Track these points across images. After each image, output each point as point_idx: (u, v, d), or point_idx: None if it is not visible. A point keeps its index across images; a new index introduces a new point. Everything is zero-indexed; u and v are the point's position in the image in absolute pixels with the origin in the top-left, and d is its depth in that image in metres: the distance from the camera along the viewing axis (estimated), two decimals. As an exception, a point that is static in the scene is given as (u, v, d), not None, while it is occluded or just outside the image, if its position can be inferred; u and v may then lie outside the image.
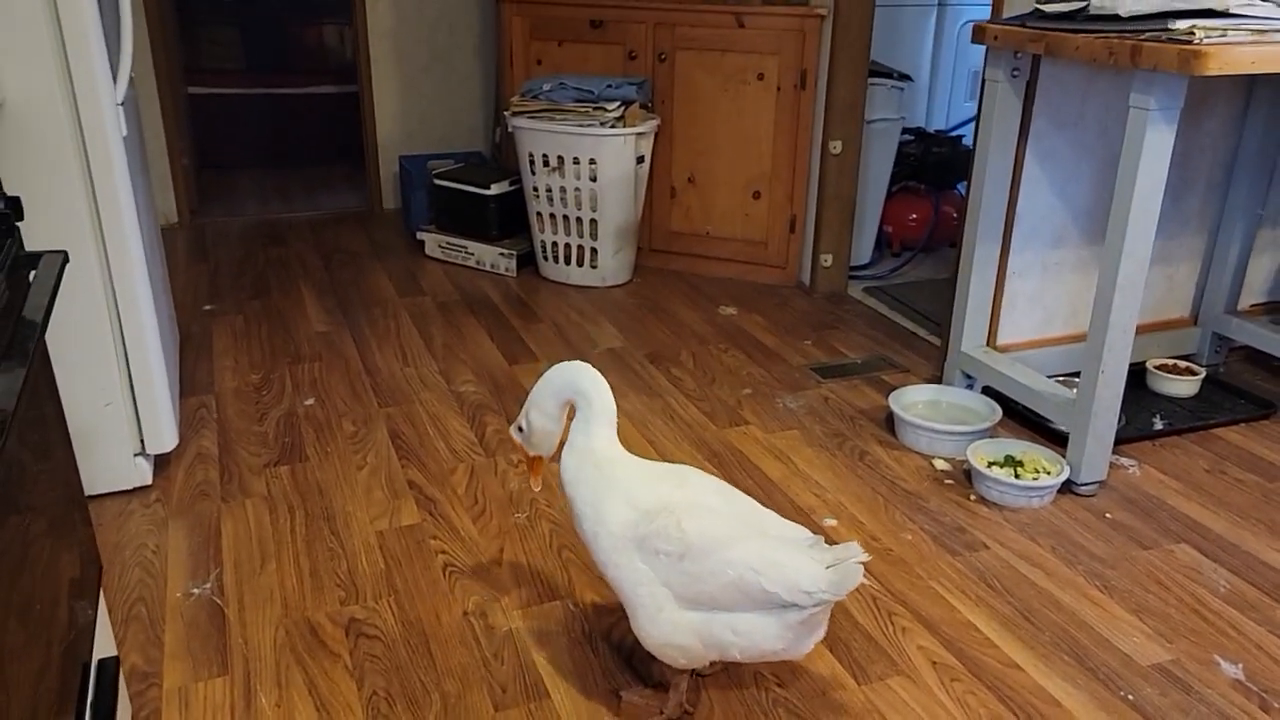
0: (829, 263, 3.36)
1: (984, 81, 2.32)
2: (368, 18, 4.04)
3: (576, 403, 1.51)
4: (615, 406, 1.51)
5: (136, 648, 1.65)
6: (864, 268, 3.59)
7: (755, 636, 1.38)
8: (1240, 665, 1.65)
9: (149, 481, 2.11)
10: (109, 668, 1.30)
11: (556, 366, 1.52)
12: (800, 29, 3.16)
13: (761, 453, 2.32)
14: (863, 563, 1.32)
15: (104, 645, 1.37)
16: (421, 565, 1.88)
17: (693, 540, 1.37)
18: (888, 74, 3.46)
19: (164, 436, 2.10)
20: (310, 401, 2.52)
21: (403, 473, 2.20)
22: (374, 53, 4.09)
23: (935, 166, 3.86)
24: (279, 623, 1.71)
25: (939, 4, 4.25)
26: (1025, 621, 1.75)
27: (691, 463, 2.25)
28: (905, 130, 3.73)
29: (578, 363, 1.52)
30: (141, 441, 2.08)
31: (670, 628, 1.40)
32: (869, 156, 3.40)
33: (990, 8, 2.46)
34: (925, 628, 1.73)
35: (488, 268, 3.55)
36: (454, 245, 3.60)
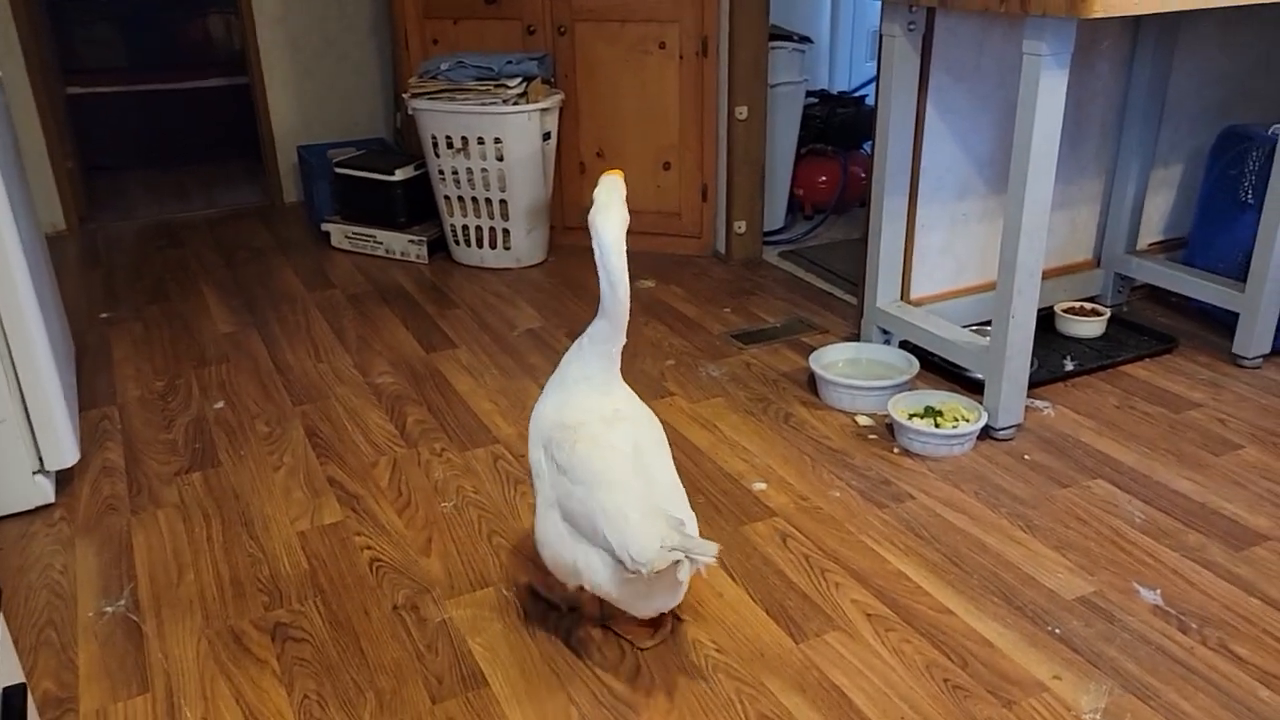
0: (743, 229, 3.37)
1: (881, 37, 2.33)
2: (254, 6, 3.89)
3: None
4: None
5: (48, 673, 1.57)
6: (778, 232, 3.60)
7: (597, 576, 1.47)
8: (1158, 591, 1.70)
9: (52, 499, 2.01)
10: (15, 696, 1.23)
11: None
12: (699, -5, 3.14)
13: (688, 422, 2.31)
14: (700, 564, 1.34)
15: (9, 673, 1.29)
16: (347, 563, 1.82)
17: (576, 463, 1.48)
18: (788, 37, 3.47)
19: (63, 451, 1.99)
20: (220, 405, 2.43)
21: (322, 470, 2.14)
22: (263, 41, 3.94)
23: (841, 128, 3.89)
24: (200, 634, 1.65)
25: (835, -35, 4.28)
26: (954, 567, 1.78)
27: (618, 437, 2.23)
28: (809, 93, 3.75)
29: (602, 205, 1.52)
30: (40, 458, 1.97)
31: (548, 527, 1.53)
32: (775, 121, 3.40)
33: (883, -36, 2.48)
34: (858, 581, 1.75)
35: (398, 256, 3.46)
36: (361, 235, 3.50)
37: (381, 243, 3.48)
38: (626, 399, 1.59)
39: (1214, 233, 2.69)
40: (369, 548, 1.87)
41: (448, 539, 1.89)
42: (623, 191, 1.56)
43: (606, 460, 1.47)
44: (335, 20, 4.05)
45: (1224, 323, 2.58)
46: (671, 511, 1.45)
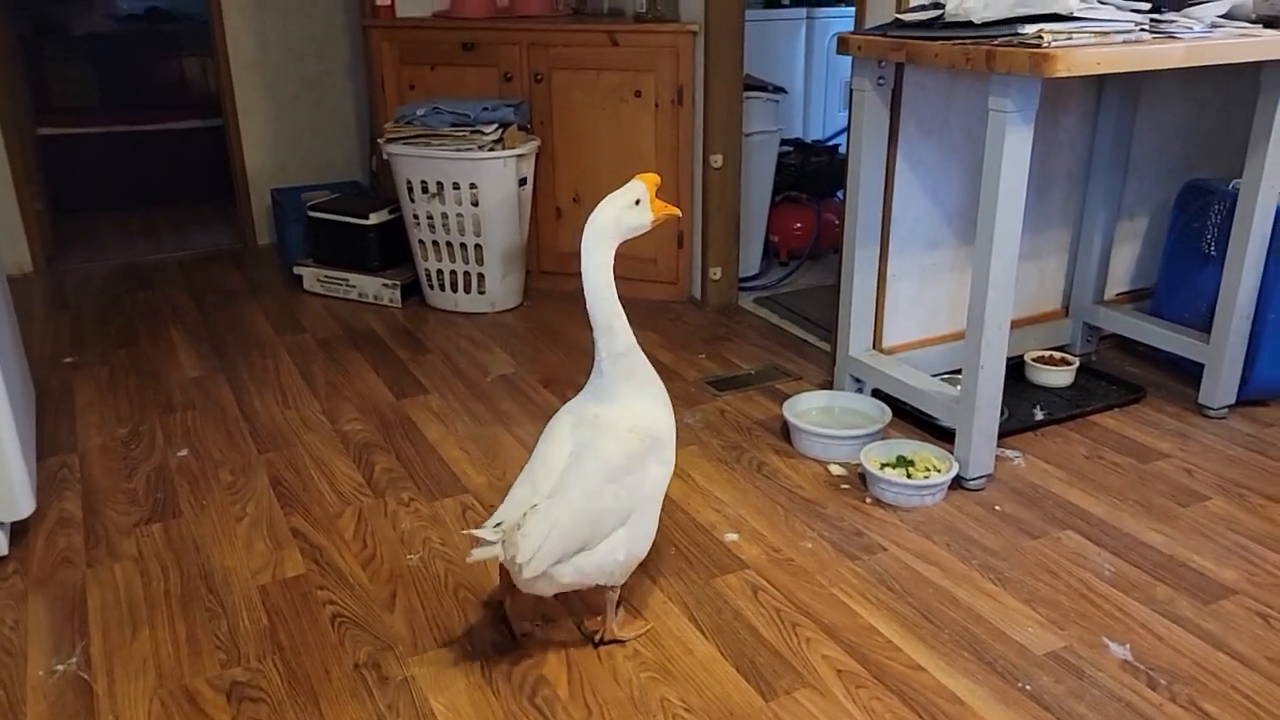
0: (718, 276, 3.38)
1: (852, 91, 2.36)
2: (229, 48, 3.90)
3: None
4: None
5: (-6, 736, 1.52)
6: (753, 278, 3.62)
7: None
8: (1128, 645, 1.69)
9: (4, 552, 1.96)
10: (-47, 766, 1.18)
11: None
12: (674, 45, 3.17)
13: (659, 471, 2.29)
14: (489, 549, 1.49)
15: (-51, 740, 1.25)
16: (308, 618, 1.78)
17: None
18: (762, 87, 3.51)
19: (18, 503, 1.95)
20: (184, 453, 2.39)
21: (285, 521, 2.10)
22: (239, 84, 3.94)
23: (815, 175, 3.93)
24: (153, 694, 1.60)
25: (808, 17, 4.34)
26: (925, 621, 1.77)
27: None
28: (784, 141, 3.79)
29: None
30: (-6, 510, 1.93)
31: None
32: (750, 168, 3.43)
33: (854, 19, 2.52)
34: (829, 636, 1.73)
35: (371, 300, 3.44)
36: (334, 279, 3.48)
37: (354, 286, 3.46)
38: (617, 409, 1.65)
39: (1179, 284, 2.72)
40: (331, 602, 1.83)
41: (412, 593, 1.86)
42: (632, 195, 1.64)
43: (541, 449, 1.65)
44: (312, 63, 4.06)
45: (1190, 372, 2.61)
46: (517, 512, 1.54)
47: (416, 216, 3.28)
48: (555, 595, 1.70)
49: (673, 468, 1.71)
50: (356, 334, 3.17)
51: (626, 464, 1.61)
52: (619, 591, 1.70)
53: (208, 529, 2.07)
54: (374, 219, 3.39)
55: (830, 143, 4.11)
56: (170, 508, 2.15)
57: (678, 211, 1.73)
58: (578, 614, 1.79)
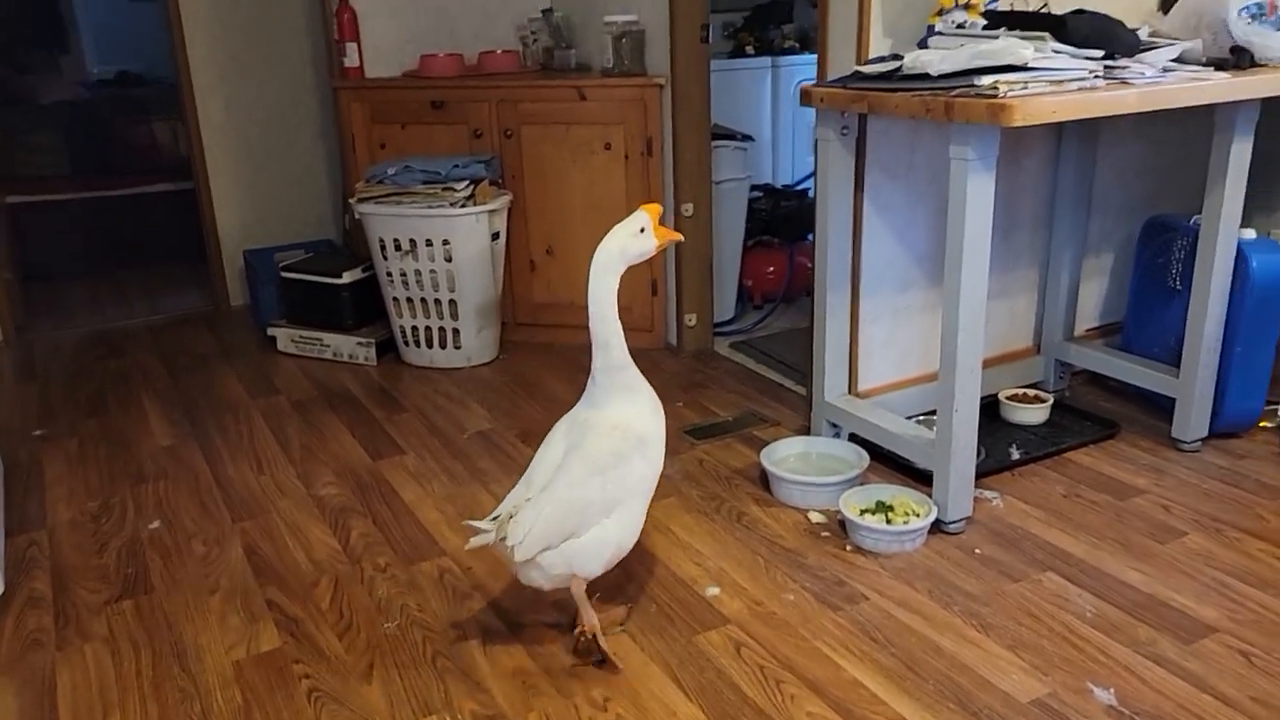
0: (693, 322, 3.39)
1: (816, 141, 2.39)
2: (199, 112, 3.91)
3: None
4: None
5: (-41, 833, 1.48)
6: (728, 323, 3.64)
7: None
8: (1112, 690, 1.68)
9: (-28, 636, 1.92)
10: None
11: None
12: (641, 98, 3.21)
13: (645, 526, 2.27)
14: (484, 537, 1.70)
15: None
16: (284, 695, 1.75)
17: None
18: (731, 135, 3.55)
19: (-14, 585, 1.91)
20: (155, 525, 2.35)
21: (260, 592, 2.07)
22: (209, 146, 3.95)
23: (786, 219, 3.97)
24: (125, 781, 1.56)
25: (773, 65, 4.41)
26: (909, 672, 1.75)
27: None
28: (754, 187, 3.83)
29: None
30: (-40, 593, 1.89)
31: None
32: (721, 215, 3.46)
33: (815, 70, 2.56)
34: (813, 692, 1.71)
35: (346, 359, 3.43)
36: (308, 339, 3.47)
37: (329, 346, 3.44)
38: (606, 412, 1.80)
39: (1147, 319, 2.75)
40: (307, 676, 1.80)
41: (390, 663, 1.83)
42: (637, 224, 1.77)
43: (539, 453, 1.84)
44: (282, 125, 4.08)
45: (1163, 406, 2.63)
46: (512, 505, 1.74)
47: (390, 274, 3.28)
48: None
49: (660, 466, 1.84)
50: (331, 394, 3.15)
51: (610, 459, 1.76)
52: (584, 585, 1.80)
53: (180, 604, 2.03)
54: (347, 278, 3.38)
55: (800, 187, 4.16)
56: (142, 583, 2.11)
57: (679, 236, 1.93)
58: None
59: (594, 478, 1.74)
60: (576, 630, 1.81)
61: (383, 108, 3.49)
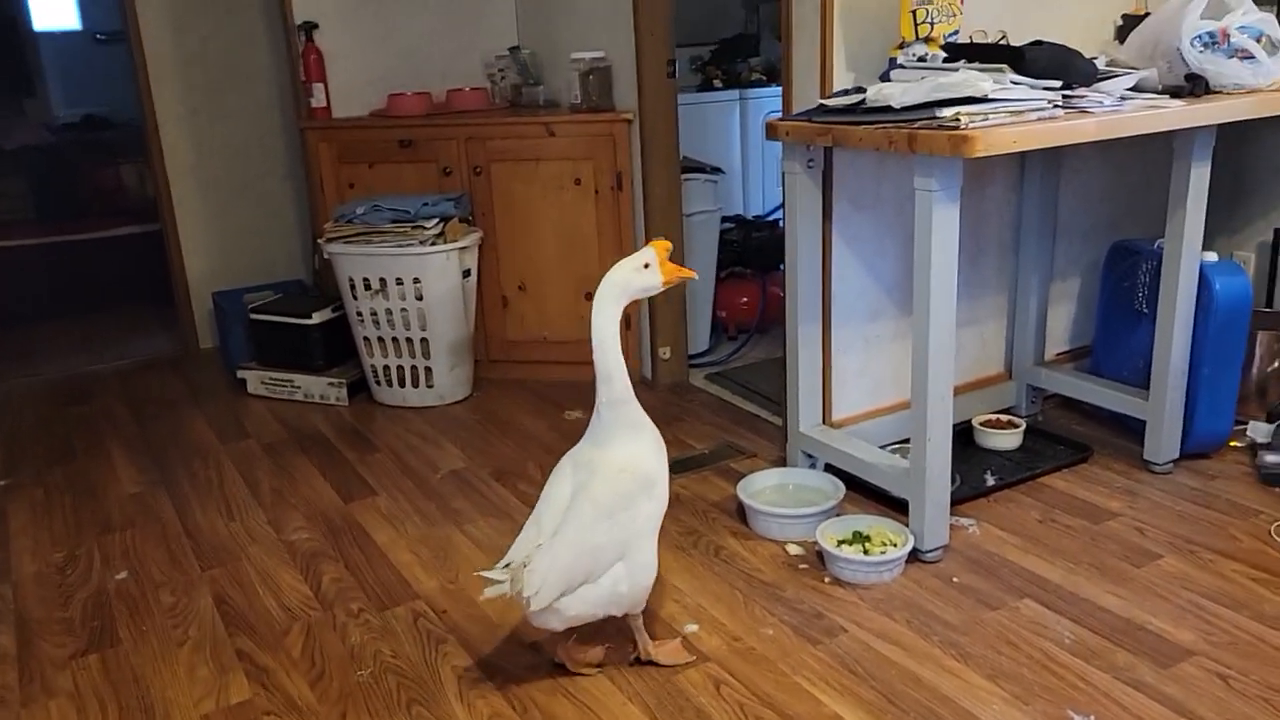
0: (667, 355, 3.39)
1: (784, 174, 2.41)
2: (165, 154, 3.89)
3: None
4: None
5: None
6: (703, 355, 3.64)
7: None
8: (1092, 717, 1.68)
9: (-69, 697, 1.87)
10: None
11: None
12: (610, 133, 3.23)
13: (615, 563, 2.26)
14: (499, 588, 1.68)
15: None
16: (255, 748, 1.71)
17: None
18: (700, 168, 3.58)
19: (-55, 643, 1.86)
20: (122, 575, 2.31)
21: (230, 642, 2.02)
22: (176, 188, 3.93)
23: (758, 250, 4.00)
24: (89, 845, 1.51)
25: (740, 98, 4.46)
26: (890, 705, 1.74)
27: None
28: (725, 218, 3.85)
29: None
30: (-82, 652, 1.84)
31: None
32: (693, 248, 3.47)
33: (781, 103, 2.58)
34: (794, 729, 1.70)
35: (317, 399, 3.40)
36: (278, 380, 3.44)
37: (299, 387, 3.41)
38: (611, 452, 1.80)
39: (1115, 342, 2.78)
40: (279, 728, 1.76)
41: (364, 712, 1.79)
42: (642, 259, 1.80)
43: (546, 492, 1.82)
44: (250, 166, 4.07)
45: (1134, 429, 2.64)
46: (524, 552, 1.72)
47: (360, 313, 3.26)
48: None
49: (666, 503, 1.86)
50: (302, 436, 3.11)
51: (618, 501, 1.77)
52: (640, 617, 1.86)
53: (148, 656, 1.99)
54: (317, 318, 3.36)
55: (771, 217, 4.18)
56: (108, 636, 2.06)
57: (692, 274, 1.93)
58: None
59: (603, 521, 1.75)
60: (634, 655, 1.89)
61: (350, 147, 3.48)
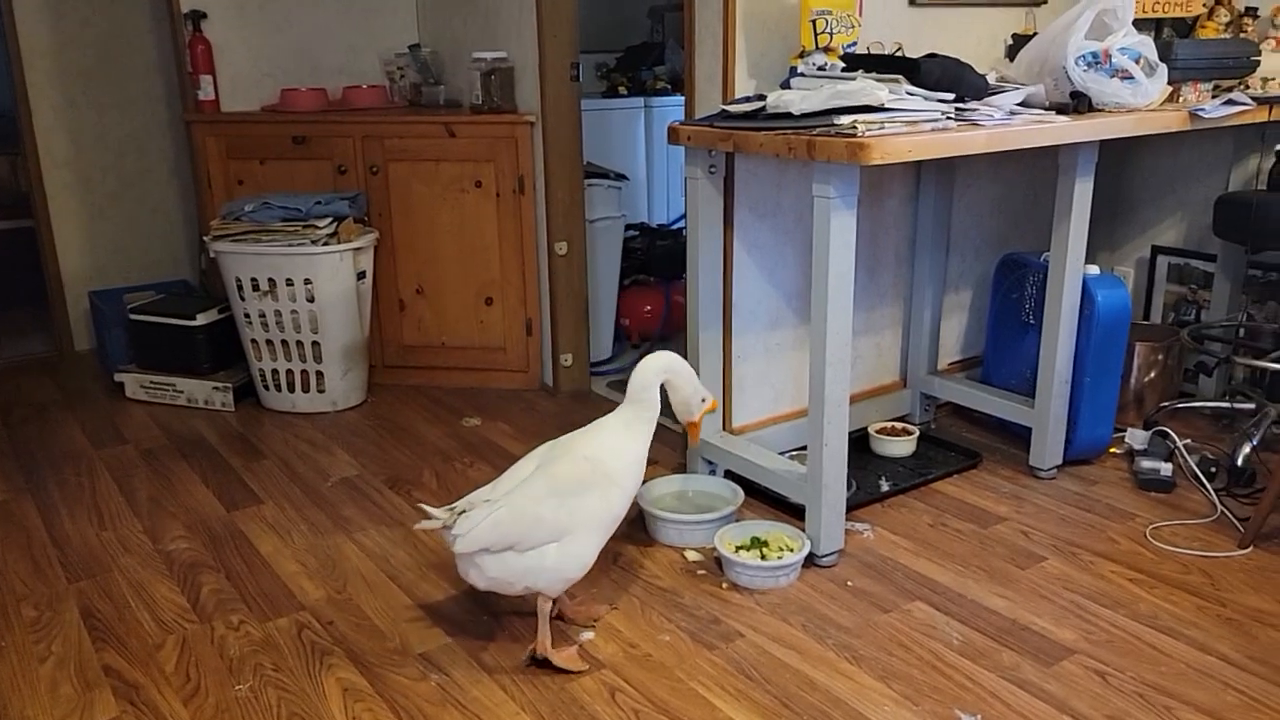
0: (569, 362, 3.35)
1: (686, 179, 2.40)
2: (40, 146, 3.68)
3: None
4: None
5: None
6: (606, 362, 3.61)
7: None
8: (979, 716, 1.71)
9: None
10: None
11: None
12: (512, 136, 3.18)
13: (511, 571, 2.21)
14: (433, 523, 1.79)
15: None
16: (118, 770, 1.61)
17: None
18: (604, 174, 3.56)
19: None
20: (-22, 589, 2.15)
21: (97, 658, 1.90)
22: (51, 183, 3.72)
23: (662, 258, 4.00)
24: None
25: (645, 105, 4.47)
26: (784, 709, 1.74)
27: (434, 597, 2.11)
28: (630, 226, 3.84)
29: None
30: None
31: None
32: (596, 254, 3.45)
33: (684, 109, 2.59)
34: (689, 735, 1.68)
35: (201, 404, 3.25)
36: (160, 384, 3.27)
37: (182, 391, 3.25)
38: (588, 440, 1.89)
39: (1004, 352, 2.87)
40: (146, 749, 1.65)
41: (240, 729, 1.70)
42: (702, 390, 2.06)
43: (514, 464, 1.93)
44: (133, 161, 3.88)
45: (1021, 435, 2.73)
46: (471, 502, 1.83)
47: (248, 315, 3.13)
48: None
49: (619, 511, 1.87)
50: (184, 442, 2.97)
51: (572, 485, 1.82)
52: (551, 606, 1.87)
53: (5, 675, 1.85)
54: (202, 319, 3.22)
55: (675, 226, 4.20)
56: (-41, 654, 1.92)
57: (695, 442, 2.23)
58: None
59: (551, 498, 1.81)
60: (531, 651, 1.88)
61: (240, 143, 3.35)
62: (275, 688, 1.81)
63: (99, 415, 3.19)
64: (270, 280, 3.06)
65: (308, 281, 3.04)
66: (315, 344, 3.13)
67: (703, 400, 2.03)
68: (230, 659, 1.90)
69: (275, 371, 3.18)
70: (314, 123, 3.30)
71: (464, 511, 1.79)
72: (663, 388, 1.99)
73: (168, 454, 2.88)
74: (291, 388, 3.19)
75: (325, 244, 3.03)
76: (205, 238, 3.15)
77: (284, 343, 3.14)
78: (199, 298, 3.53)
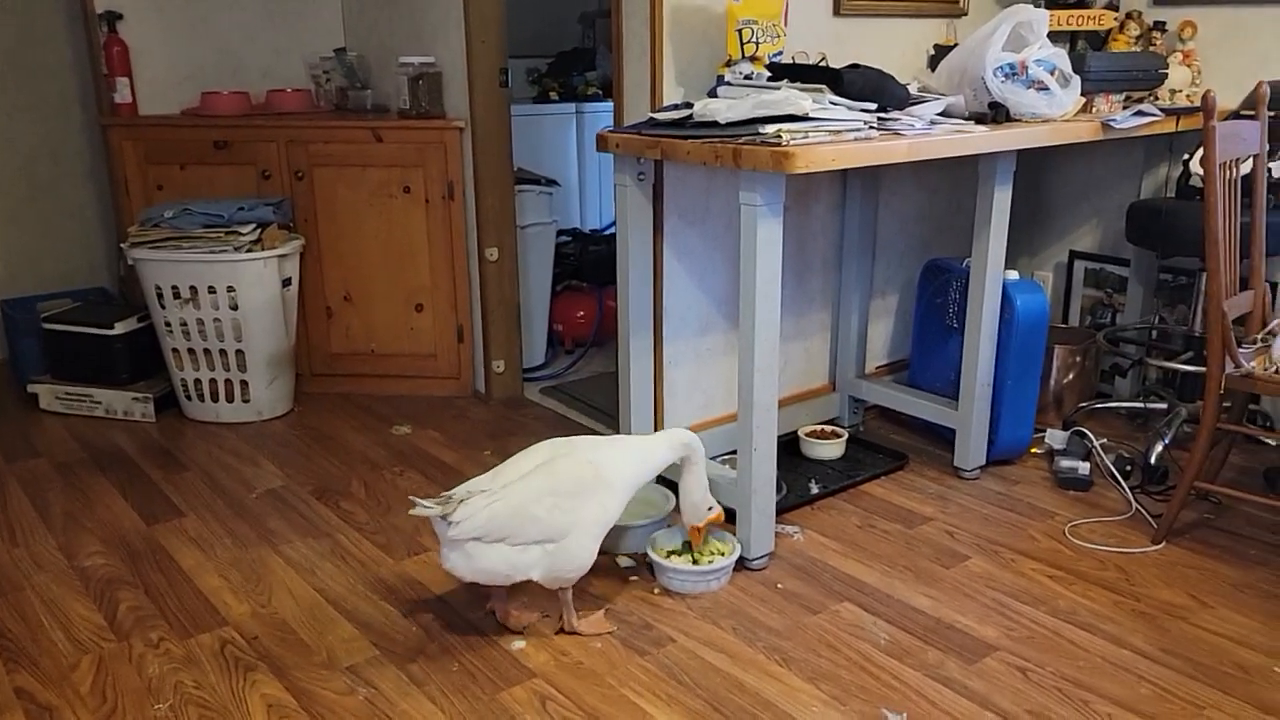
0: (501, 368, 3.33)
1: (615, 186, 2.41)
2: (-54, 149, 3.54)
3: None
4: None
5: None
6: (539, 368, 3.60)
7: None
8: (905, 715, 1.74)
9: None
10: None
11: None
12: (440, 141, 3.15)
13: (443, 580, 2.19)
14: (428, 510, 1.80)
15: None
16: (28, 798, 1.55)
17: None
18: (535, 180, 3.55)
19: None
20: (-123, 612, 2.06)
21: (9, 680, 1.83)
22: (-42, 187, 3.58)
23: (595, 264, 4.00)
24: None
25: (577, 111, 4.46)
26: (714, 712, 1.75)
27: (361, 609, 2.08)
28: (562, 231, 3.84)
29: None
30: None
31: None
32: (527, 260, 3.44)
33: (613, 116, 2.59)
34: (620, 742, 1.68)
35: (120, 416, 3.15)
36: (76, 395, 3.16)
37: (100, 402, 3.15)
38: (595, 449, 1.95)
39: (929, 356, 2.93)
40: (58, 774, 1.60)
41: (158, 751, 1.65)
42: (712, 501, 2.13)
43: (517, 456, 1.99)
44: (46, 166, 3.75)
45: (946, 437, 2.79)
46: (468, 490, 1.88)
47: (169, 324, 3.04)
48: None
49: (612, 518, 1.93)
50: (102, 455, 2.88)
51: (572, 485, 1.88)
52: (569, 592, 1.96)
53: (-96, 703, 1.77)
54: (120, 328, 3.12)
55: (608, 231, 4.20)
56: None
57: (719, 514, 2.15)
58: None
59: (548, 496, 1.86)
60: (559, 629, 1.99)
61: (159, 147, 3.26)
62: (197, 705, 1.76)
63: (11, 428, 3.08)
64: (191, 288, 2.98)
65: (230, 289, 2.97)
66: (239, 353, 3.06)
67: (709, 509, 2.10)
68: (149, 678, 1.84)
69: (198, 381, 3.10)
70: (236, 127, 3.23)
71: (462, 499, 1.82)
72: (675, 487, 2.12)
73: (84, 467, 2.79)
74: (215, 398, 3.11)
75: (249, 251, 2.96)
76: (123, 245, 3.06)
77: (206, 351, 3.06)
78: (117, 306, 3.43)
